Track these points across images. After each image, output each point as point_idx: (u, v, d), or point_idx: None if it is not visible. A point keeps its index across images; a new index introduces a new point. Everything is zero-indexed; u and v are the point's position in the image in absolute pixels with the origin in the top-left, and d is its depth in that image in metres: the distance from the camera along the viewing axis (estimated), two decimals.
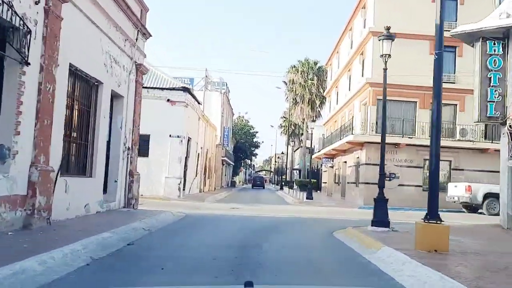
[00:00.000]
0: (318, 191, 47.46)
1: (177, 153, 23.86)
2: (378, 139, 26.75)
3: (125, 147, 13.93)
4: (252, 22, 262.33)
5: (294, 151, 71.88)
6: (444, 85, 27.68)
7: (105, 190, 13.16)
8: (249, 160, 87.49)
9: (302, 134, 70.93)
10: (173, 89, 23.92)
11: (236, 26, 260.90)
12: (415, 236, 8.19)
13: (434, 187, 8.16)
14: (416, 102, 26.91)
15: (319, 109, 50.87)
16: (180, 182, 23.78)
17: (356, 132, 26.71)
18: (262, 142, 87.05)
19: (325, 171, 43.33)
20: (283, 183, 61.71)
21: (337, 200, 30.77)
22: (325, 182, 43.02)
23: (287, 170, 65.73)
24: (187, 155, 26.02)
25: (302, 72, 49.84)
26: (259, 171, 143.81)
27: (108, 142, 13.33)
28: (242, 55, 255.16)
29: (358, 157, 28.24)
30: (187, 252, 7.85)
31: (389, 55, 11.79)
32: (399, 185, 26.17)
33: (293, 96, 50.43)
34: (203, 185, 34.43)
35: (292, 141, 65.68)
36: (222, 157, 48.66)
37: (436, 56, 8.19)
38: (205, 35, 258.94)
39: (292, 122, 61.75)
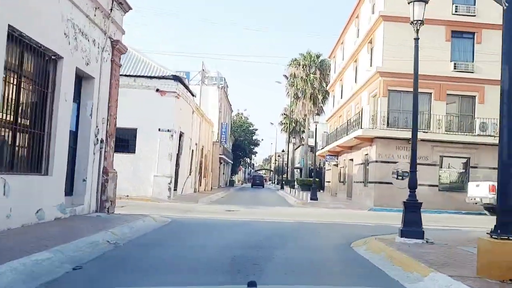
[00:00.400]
0: (321, 191, 45.15)
1: (167, 149, 21.50)
2: (389, 133, 24.44)
3: (97, 140, 11.56)
4: (252, 22, 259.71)
5: (295, 149, 69.54)
6: (462, 75, 25.25)
7: (71, 192, 10.83)
8: (248, 159, 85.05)
9: (303, 131, 68.65)
10: (163, 77, 21.54)
11: (236, 26, 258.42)
12: (478, 258, 5.83)
13: (507, 188, 5.79)
14: (431, 93, 24.51)
15: (321, 105, 48.47)
16: (171, 181, 21.43)
17: (365, 126, 24.32)
18: (262, 140, 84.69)
19: (328, 170, 40.99)
20: (283, 182, 59.37)
21: (343, 201, 28.44)
22: (329, 181, 40.69)
23: (288, 169, 63.38)
24: (179, 151, 23.67)
25: (304, 66, 47.45)
26: (258, 170, 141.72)
27: (76, 133, 11.01)
28: (241, 53, 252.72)
29: (366, 154, 25.89)
30: (154, 282, 5.47)
31: (422, 22, 9.40)
32: None
33: (294, 91, 48.06)
34: (199, 184, 32.08)
35: (294, 138, 63.42)
36: (220, 155, 46.32)
37: (507, 5, 5.79)
38: (205, 34, 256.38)
39: (293, 119, 59.44)
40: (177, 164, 23.54)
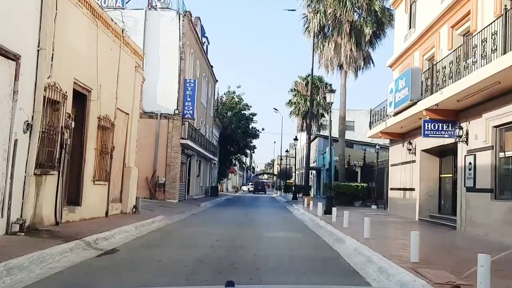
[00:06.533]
0: (374, 207, 23.50)
1: None
2: None
3: None
4: None
5: (310, 142, 47.68)
6: None
7: None
8: (244, 156, 62.37)
9: (322, 114, 46.88)
10: None
11: None
12: None
13: None
14: None
15: (369, 49, 26.67)
16: None
17: None
18: (263, 129, 62.56)
19: (398, 165, 19.11)
20: (296, 192, 37.62)
21: None
22: (407, 190, 18.74)
23: (304, 171, 41.43)
24: None
25: None
26: (259, 174, 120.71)
27: None
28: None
29: None
30: None
31: None
32: None
33: (320, 22, 26.16)
34: (59, 205, 10.16)
35: (309, 124, 41.26)
36: (182, 139, 24.47)
37: None
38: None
39: (308, 97, 37.60)
40: None
